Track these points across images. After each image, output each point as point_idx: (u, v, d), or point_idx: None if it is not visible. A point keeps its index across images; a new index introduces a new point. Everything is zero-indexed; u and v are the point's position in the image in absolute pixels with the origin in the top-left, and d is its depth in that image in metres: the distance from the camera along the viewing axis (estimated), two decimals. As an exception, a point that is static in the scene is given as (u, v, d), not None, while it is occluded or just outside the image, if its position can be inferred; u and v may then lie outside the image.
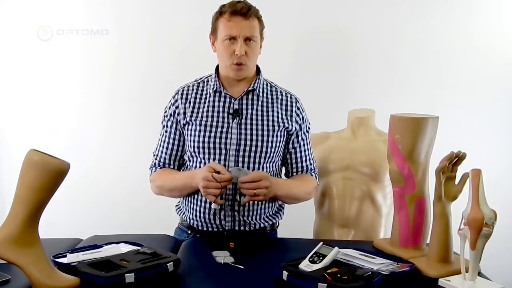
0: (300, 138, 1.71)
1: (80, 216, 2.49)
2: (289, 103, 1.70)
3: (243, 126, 1.62)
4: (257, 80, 1.67)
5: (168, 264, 1.19)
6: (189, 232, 1.70)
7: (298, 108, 1.71)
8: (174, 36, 2.43)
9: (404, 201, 1.43)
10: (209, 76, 1.71)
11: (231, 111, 1.64)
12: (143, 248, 1.31)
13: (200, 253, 1.45)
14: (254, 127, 1.63)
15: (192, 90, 1.69)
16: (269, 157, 1.64)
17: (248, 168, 1.60)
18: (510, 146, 2.49)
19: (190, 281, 1.22)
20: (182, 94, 1.68)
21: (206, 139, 1.61)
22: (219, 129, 1.61)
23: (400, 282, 1.21)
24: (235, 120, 1.62)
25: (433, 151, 1.44)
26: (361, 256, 1.34)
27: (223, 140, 1.60)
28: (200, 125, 1.62)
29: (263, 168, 1.63)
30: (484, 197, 1.18)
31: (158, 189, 1.69)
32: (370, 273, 1.17)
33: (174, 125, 1.68)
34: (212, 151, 1.60)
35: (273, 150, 1.64)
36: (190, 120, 1.64)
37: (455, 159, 1.33)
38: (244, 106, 1.65)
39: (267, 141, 1.63)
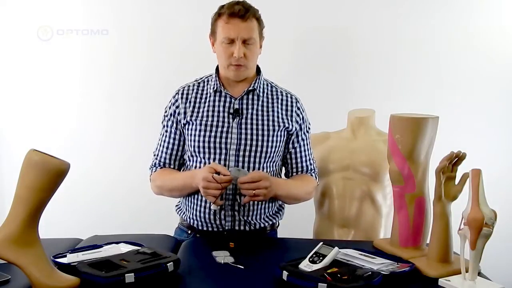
0: (300, 138, 1.71)
1: (80, 216, 2.49)
2: (289, 103, 1.70)
3: (243, 126, 1.62)
4: (257, 80, 1.67)
5: (168, 264, 1.19)
6: (189, 232, 1.70)
7: (298, 108, 1.71)
8: (174, 36, 2.43)
9: (404, 201, 1.43)
10: (210, 76, 1.71)
11: (231, 110, 1.64)
12: (143, 248, 1.31)
13: (200, 253, 1.45)
14: (254, 127, 1.63)
15: (193, 90, 1.69)
16: (269, 157, 1.64)
17: (248, 168, 1.60)
18: (510, 146, 2.49)
19: (190, 281, 1.22)
20: (182, 94, 1.68)
21: (207, 139, 1.61)
22: (219, 129, 1.61)
23: (400, 282, 1.21)
24: (235, 120, 1.62)
25: (433, 151, 1.44)
26: (361, 256, 1.34)
27: (223, 140, 1.60)
28: (201, 124, 1.62)
29: (263, 168, 1.63)
30: (484, 197, 1.18)
31: (158, 189, 1.69)
32: (370, 273, 1.17)
33: (175, 124, 1.68)
34: (212, 150, 1.60)
35: (273, 150, 1.64)
36: (191, 120, 1.64)
37: (455, 159, 1.33)
38: (244, 106, 1.65)
39: (267, 141, 1.63)
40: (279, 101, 1.70)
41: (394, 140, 1.42)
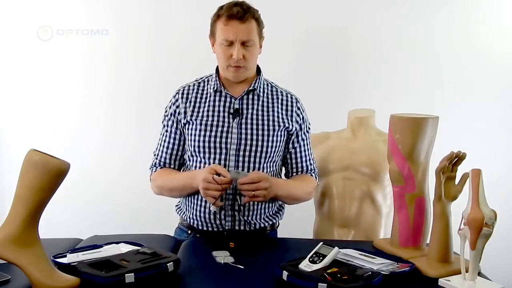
0: (300, 138, 1.71)
1: (80, 216, 2.49)
2: (289, 103, 1.70)
3: (243, 126, 1.62)
4: (257, 80, 1.67)
5: (168, 264, 1.19)
6: (189, 232, 1.70)
7: (299, 108, 1.71)
8: (174, 36, 2.43)
9: (404, 201, 1.43)
10: (210, 76, 1.71)
11: (231, 110, 1.64)
12: (143, 248, 1.31)
13: (200, 253, 1.45)
14: (254, 126, 1.63)
15: (193, 89, 1.69)
16: (269, 157, 1.64)
17: (248, 168, 1.60)
18: (510, 146, 2.49)
19: (190, 281, 1.22)
20: (182, 93, 1.68)
21: (207, 139, 1.61)
22: (219, 129, 1.61)
23: (400, 282, 1.21)
24: (235, 120, 1.62)
25: (433, 151, 1.44)
26: (361, 256, 1.34)
27: (223, 140, 1.60)
28: (201, 124, 1.62)
29: (263, 168, 1.63)
30: (484, 197, 1.18)
31: (158, 189, 1.69)
32: (370, 273, 1.17)
33: (175, 124, 1.68)
34: (212, 150, 1.60)
35: (273, 150, 1.64)
36: (191, 120, 1.64)
37: (455, 159, 1.33)
38: (245, 106, 1.65)
39: (268, 141, 1.63)
40: (279, 101, 1.70)
41: (394, 140, 1.42)
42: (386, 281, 1.17)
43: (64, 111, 2.50)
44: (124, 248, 1.38)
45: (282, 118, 1.67)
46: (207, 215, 1.62)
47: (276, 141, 1.65)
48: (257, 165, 1.61)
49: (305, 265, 1.21)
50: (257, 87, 1.67)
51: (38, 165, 1.06)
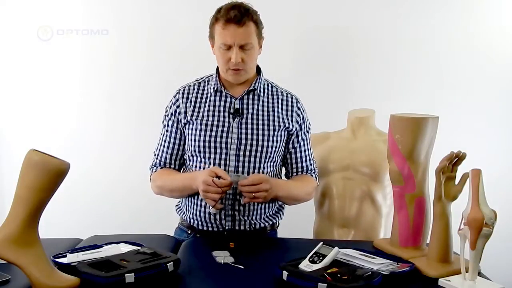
0: (300, 138, 1.71)
1: (80, 216, 2.49)
2: (289, 103, 1.70)
3: (243, 126, 1.62)
4: (257, 80, 1.67)
5: (168, 264, 1.19)
6: (189, 232, 1.70)
7: (299, 108, 1.71)
8: (174, 36, 2.43)
9: (404, 201, 1.43)
10: (210, 76, 1.71)
11: (231, 110, 1.64)
12: (143, 248, 1.31)
13: (200, 253, 1.45)
14: (254, 126, 1.63)
15: (193, 89, 1.69)
16: (269, 157, 1.64)
17: (249, 168, 1.60)
18: (510, 146, 2.49)
19: (190, 281, 1.22)
20: (183, 93, 1.68)
21: (207, 139, 1.61)
22: (219, 129, 1.61)
23: (400, 282, 1.21)
24: (235, 120, 1.62)
25: (433, 151, 1.44)
26: (361, 256, 1.33)
27: (223, 140, 1.60)
28: (201, 124, 1.62)
29: (263, 168, 1.63)
30: (484, 197, 1.18)
31: (159, 189, 1.69)
32: (370, 273, 1.17)
33: (175, 124, 1.68)
34: (212, 150, 1.60)
35: (273, 150, 1.64)
36: (191, 120, 1.64)
37: (455, 159, 1.33)
38: (245, 106, 1.65)
39: (268, 141, 1.63)
40: (280, 101, 1.70)
41: (394, 140, 1.42)
42: (386, 281, 1.17)
43: (64, 111, 2.50)
44: (124, 248, 1.38)
45: (282, 118, 1.67)
46: (207, 215, 1.62)
47: (276, 141, 1.65)
48: (257, 165, 1.61)
49: (305, 265, 1.21)
50: (257, 87, 1.67)
51: (38, 165, 1.06)
